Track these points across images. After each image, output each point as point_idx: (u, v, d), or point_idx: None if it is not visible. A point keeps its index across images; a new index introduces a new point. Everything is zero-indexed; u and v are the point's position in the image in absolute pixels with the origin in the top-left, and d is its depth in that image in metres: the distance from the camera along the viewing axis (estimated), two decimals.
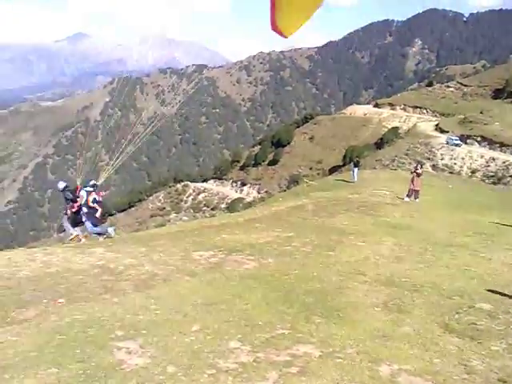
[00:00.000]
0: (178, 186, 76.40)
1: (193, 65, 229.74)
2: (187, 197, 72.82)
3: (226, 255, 11.80)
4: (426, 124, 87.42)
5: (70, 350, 6.37)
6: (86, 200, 16.07)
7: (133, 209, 68.49)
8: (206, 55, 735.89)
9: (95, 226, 16.26)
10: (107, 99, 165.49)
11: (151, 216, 64.39)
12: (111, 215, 70.66)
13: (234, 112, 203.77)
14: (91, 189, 16.42)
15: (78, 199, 16.22)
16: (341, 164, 68.31)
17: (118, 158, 17.34)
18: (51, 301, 8.38)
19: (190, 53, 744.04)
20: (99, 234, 16.43)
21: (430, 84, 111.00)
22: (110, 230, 16.67)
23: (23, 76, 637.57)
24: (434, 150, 72.69)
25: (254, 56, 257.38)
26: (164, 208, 69.24)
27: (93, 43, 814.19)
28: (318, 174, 69.93)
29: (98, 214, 16.15)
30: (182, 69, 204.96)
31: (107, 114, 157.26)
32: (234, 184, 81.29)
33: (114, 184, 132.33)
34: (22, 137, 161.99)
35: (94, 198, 16.19)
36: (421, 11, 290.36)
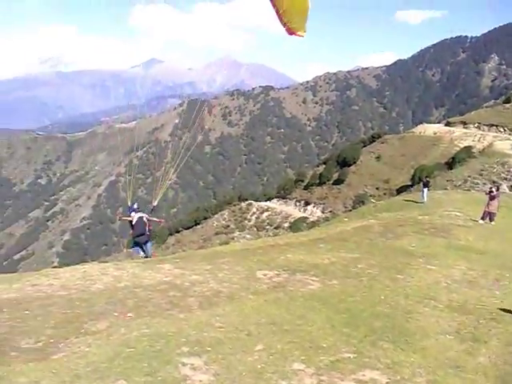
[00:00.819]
0: (243, 204, 77.23)
1: (259, 86, 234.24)
2: (251, 215, 73.42)
3: (290, 275, 11.72)
4: (503, 143, 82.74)
5: (137, 363, 6.56)
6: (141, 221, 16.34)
7: (198, 226, 69.89)
8: (272, 77, 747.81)
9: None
10: (176, 121, 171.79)
11: (216, 233, 65.33)
12: (178, 232, 72.61)
13: (299, 132, 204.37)
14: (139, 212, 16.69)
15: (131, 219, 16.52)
16: (409, 184, 66.04)
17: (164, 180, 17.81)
18: (121, 314, 8.70)
19: (256, 75, 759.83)
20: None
21: (507, 101, 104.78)
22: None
23: (101, 100, 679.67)
24: (511, 170, 68.64)
25: (321, 76, 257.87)
26: (228, 226, 70.06)
27: (165, 68, 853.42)
28: (385, 194, 68.03)
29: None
30: (248, 90, 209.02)
31: (176, 135, 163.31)
32: (298, 203, 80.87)
33: (181, 202, 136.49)
34: (98, 157, 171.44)
35: (139, 217, 16.36)
36: (497, 26, 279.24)
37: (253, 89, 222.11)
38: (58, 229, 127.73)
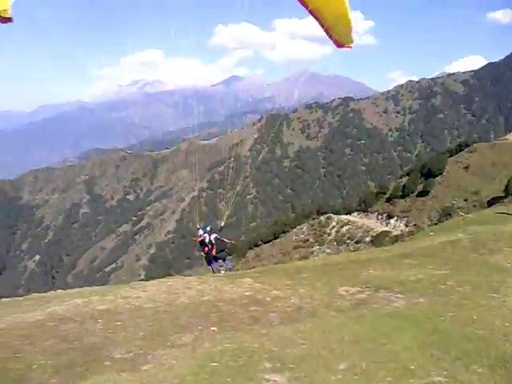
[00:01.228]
0: (322, 218, 76.26)
1: (338, 98, 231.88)
2: (330, 229, 72.24)
3: (373, 292, 11.34)
4: None
5: (222, 378, 6.65)
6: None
7: (277, 240, 70.03)
8: (351, 87, 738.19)
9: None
10: (256, 136, 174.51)
11: (295, 248, 65.04)
12: (257, 246, 73.21)
13: (380, 143, 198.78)
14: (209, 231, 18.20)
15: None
16: (502, 195, 61.69)
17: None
18: (205, 328, 8.91)
19: (335, 86, 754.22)
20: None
21: None
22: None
23: (184, 118, 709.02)
24: None
25: (402, 85, 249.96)
26: (307, 240, 69.46)
27: (245, 84, 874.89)
28: (475, 206, 63.97)
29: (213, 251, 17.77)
30: (327, 102, 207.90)
31: (255, 150, 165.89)
32: (380, 216, 78.36)
33: (261, 216, 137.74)
34: (181, 173, 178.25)
35: (215, 237, 17.92)
36: None
37: (331, 100, 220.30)
38: (144, 242, 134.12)
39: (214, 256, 17.57)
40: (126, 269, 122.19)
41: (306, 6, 9.41)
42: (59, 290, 14.79)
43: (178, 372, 6.95)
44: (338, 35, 9.40)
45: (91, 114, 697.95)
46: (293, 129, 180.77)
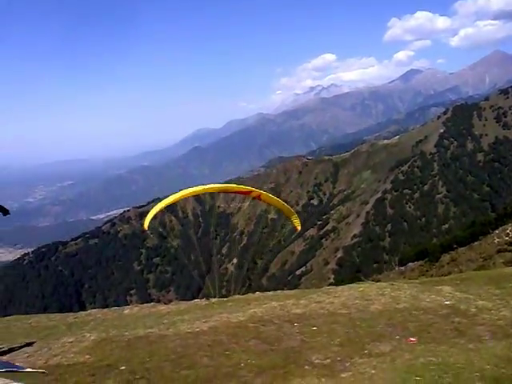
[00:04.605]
0: None
1: None
2: None
3: None
4: None
5: None
6: None
7: (476, 243, 63.46)
8: None
9: None
10: (441, 130, 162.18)
11: (498, 251, 58.00)
12: (452, 249, 67.40)
13: None
14: None
15: None
16: None
17: None
18: (403, 338, 8.46)
19: None
20: None
21: None
22: None
23: (362, 119, 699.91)
24: None
25: None
26: None
27: (425, 77, 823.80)
28: None
29: None
30: None
31: (442, 146, 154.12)
32: None
33: (454, 216, 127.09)
34: (363, 175, 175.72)
35: None
36: None
37: None
38: (331, 246, 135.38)
39: None
40: (315, 272, 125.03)
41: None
42: (257, 293, 15.79)
43: (378, 383, 6.71)
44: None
45: (272, 124, 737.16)
46: (485, 118, 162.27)
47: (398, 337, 8.54)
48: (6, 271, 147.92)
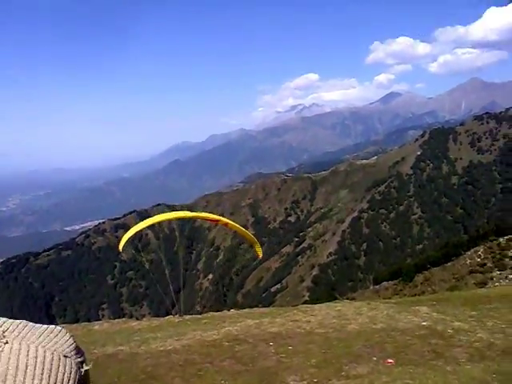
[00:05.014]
0: (501, 239, 68.00)
1: None
2: None
3: None
4: None
5: None
6: None
7: (449, 263, 64.35)
8: None
9: None
10: (418, 153, 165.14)
11: (470, 272, 58.88)
12: (425, 269, 68.13)
13: None
14: None
15: None
16: None
17: None
18: (380, 359, 8.30)
19: (511, 93, 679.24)
20: None
21: None
22: None
23: (342, 139, 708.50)
24: None
25: None
26: (485, 264, 62.14)
27: (404, 100, 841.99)
28: None
29: None
30: (501, 112, 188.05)
31: (418, 168, 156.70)
32: None
33: (428, 237, 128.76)
34: (341, 194, 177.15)
35: None
36: None
37: (507, 109, 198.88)
38: (307, 263, 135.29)
39: None
40: (291, 289, 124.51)
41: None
42: (232, 310, 15.47)
43: None
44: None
45: (253, 141, 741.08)
46: (460, 143, 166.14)
47: (375, 358, 8.38)
48: None
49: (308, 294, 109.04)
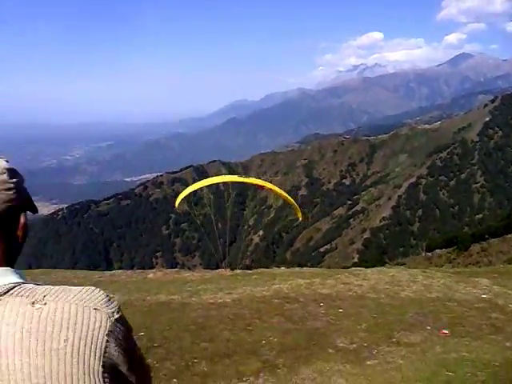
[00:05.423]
0: None
1: None
2: None
3: None
4: None
5: None
6: None
7: (509, 235, 61.57)
8: None
9: None
10: (487, 119, 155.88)
11: None
12: (483, 240, 65.53)
13: None
14: None
15: None
16: None
17: None
18: (435, 329, 8.01)
19: None
20: None
21: None
22: None
23: (405, 102, 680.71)
24: None
25: None
26: None
27: (475, 62, 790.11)
28: None
29: None
30: None
31: (486, 135, 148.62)
32: None
33: (489, 207, 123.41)
34: (400, 159, 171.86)
35: None
36: None
37: None
38: (358, 227, 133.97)
39: None
40: (340, 251, 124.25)
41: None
42: (282, 268, 15.51)
43: (407, 375, 6.33)
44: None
45: (312, 100, 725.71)
46: None
47: (429, 328, 8.09)
48: (40, 225, 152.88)
49: (357, 256, 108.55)
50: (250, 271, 13.68)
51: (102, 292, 1.19)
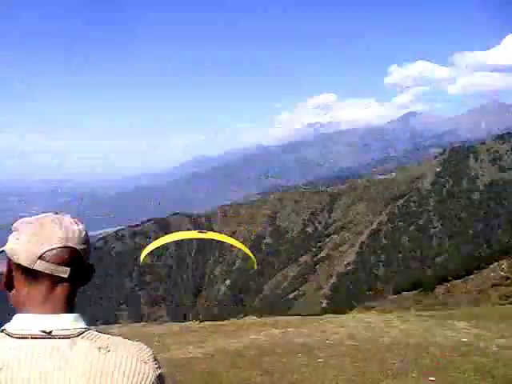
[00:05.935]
0: None
1: None
2: None
3: None
4: None
5: None
6: None
7: (471, 276, 62.56)
8: None
9: None
10: (438, 169, 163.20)
11: (492, 285, 57.24)
12: (447, 281, 66.04)
13: None
14: None
15: None
16: None
17: None
18: (420, 376, 7.60)
19: None
20: None
21: None
22: None
23: (360, 155, 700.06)
24: None
25: None
26: (508, 278, 60.60)
27: (422, 119, 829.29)
28: None
29: None
30: None
31: (438, 183, 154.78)
32: None
33: (447, 250, 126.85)
34: (359, 207, 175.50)
35: None
36: None
37: None
38: (324, 273, 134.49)
39: None
40: (308, 297, 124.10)
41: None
42: (253, 317, 14.87)
43: None
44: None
45: (270, 155, 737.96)
46: (481, 161, 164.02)
47: (414, 375, 7.67)
48: None
49: (326, 301, 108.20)
50: (220, 322, 12.98)
51: (149, 348, 1.45)
